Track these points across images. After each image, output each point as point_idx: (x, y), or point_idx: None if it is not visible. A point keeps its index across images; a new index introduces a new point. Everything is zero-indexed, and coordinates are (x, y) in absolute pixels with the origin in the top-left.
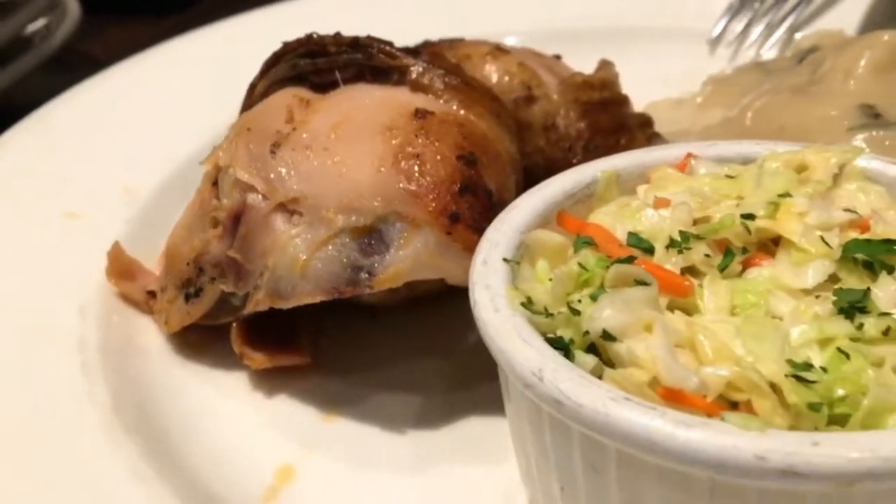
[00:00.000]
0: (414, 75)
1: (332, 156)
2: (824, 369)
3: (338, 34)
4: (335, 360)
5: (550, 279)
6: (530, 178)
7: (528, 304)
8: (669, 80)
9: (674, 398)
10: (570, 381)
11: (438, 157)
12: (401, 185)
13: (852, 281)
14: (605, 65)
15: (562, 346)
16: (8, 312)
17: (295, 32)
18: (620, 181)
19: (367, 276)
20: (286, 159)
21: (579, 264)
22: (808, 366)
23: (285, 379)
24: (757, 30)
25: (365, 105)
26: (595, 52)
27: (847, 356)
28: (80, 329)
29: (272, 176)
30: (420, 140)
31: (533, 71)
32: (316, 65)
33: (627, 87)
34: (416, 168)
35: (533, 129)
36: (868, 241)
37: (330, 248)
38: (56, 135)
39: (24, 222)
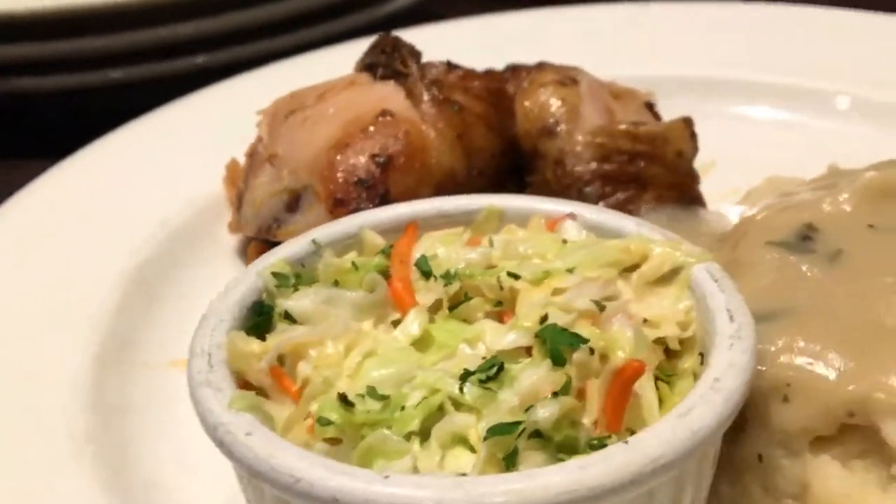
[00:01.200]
0: (409, 83)
1: (311, 131)
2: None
3: (397, 38)
4: None
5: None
6: None
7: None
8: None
9: None
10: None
11: (359, 152)
12: (323, 163)
13: (533, 359)
14: (679, 121)
15: None
16: None
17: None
18: (506, 218)
19: (276, 226)
20: (289, 125)
21: (353, 263)
22: (380, 396)
23: None
24: None
25: (361, 98)
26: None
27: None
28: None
29: (274, 134)
30: (361, 134)
31: (574, 108)
32: (375, 59)
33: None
34: (339, 155)
35: (545, 160)
36: (563, 330)
37: (275, 199)
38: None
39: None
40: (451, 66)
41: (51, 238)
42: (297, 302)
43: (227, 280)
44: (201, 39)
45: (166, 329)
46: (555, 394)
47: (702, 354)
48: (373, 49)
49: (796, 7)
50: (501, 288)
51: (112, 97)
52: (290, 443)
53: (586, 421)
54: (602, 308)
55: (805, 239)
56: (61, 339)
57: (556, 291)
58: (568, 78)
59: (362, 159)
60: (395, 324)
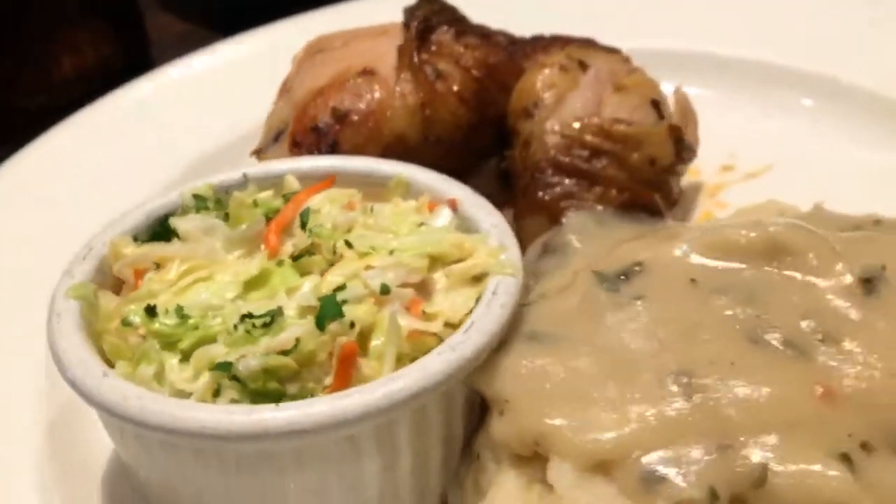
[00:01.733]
0: (404, 43)
1: (317, 73)
2: None
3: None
4: None
5: None
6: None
7: None
8: None
9: None
10: None
11: (328, 101)
12: (300, 106)
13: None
14: (663, 126)
15: None
16: None
17: None
18: (412, 189)
19: (262, 153)
20: (308, 63)
21: (254, 200)
22: (182, 315)
23: None
24: None
25: (370, 51)
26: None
27: None
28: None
29: (297, 68)
30: (338, 86)
31: (562, 95)
32: (412, 14)
33: None
34: (314, 101)
35: (518, 139)
36: (334, 302)
37: (272, 128)
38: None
39: None
40: (462, 33)
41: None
42: (184, 222)
43: None
44: None
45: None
46: (283, 352)
47: None
48: (418, 3)
49: None
50: (335, 252)
51: None
52: (80, 332)
53: (328, 381)
54: (387, 292)
55: (622, 276)
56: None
57: (368, 267)
58: (576, 62)
59: (326, 109)
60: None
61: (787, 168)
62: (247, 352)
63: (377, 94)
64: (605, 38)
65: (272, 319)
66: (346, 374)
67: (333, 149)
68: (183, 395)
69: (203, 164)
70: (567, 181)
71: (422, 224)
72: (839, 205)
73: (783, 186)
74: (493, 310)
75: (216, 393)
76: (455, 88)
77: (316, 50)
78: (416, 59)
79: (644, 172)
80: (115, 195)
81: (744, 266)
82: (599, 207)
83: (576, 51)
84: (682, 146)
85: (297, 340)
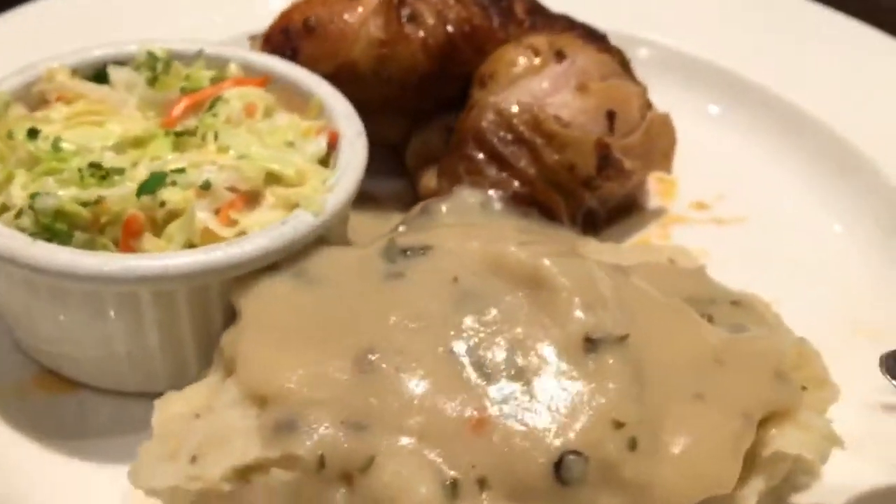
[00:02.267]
0: None
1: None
2: None
3: None
4: None
5: None
6: None
7: None
8: None
9: None
10: None
11: (306, 11)
12: (288, 9)
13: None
14: (589, 139)
15: None
16: None
17: None
18: (324, 112)
19: (252, 39)
20: None
21: (188, 75)
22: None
23: None
24: None
25: None
26: None
27: None
28: None
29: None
30: (324, 2)
31: (519, 77)
32: None
33: None
34: (298, 6)
35: (467, 104)
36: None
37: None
38: None
39: None
40: None
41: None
42: (116, 72)
43: None
44: None
45: None
46: (83, 203)
47: None
48: None
49: None
50: (204, 139)
51: None
52: None
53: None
54: (207, 188)
55: (407, 252)
56: None
57: (212, 162)
58: (554, 51)
59: (301, 17)
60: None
61: (759, 224)
62: (65, 190)
63: (349, 19)
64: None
65: (107, 175)
66: (128, 242)
67: (293, 55)
68: (3, 209)
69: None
70: (479, 156)
71: (291, 144)
72: None
73: (743, 240)
74: (273, 233)
75: (17, 215)
76: (421, 34)
77: None
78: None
79: (559, 176)
80: None
81: (504, 284)
82: (492, 192)
83: (561, 40)
84: (606, 163)
85: (102, 198)
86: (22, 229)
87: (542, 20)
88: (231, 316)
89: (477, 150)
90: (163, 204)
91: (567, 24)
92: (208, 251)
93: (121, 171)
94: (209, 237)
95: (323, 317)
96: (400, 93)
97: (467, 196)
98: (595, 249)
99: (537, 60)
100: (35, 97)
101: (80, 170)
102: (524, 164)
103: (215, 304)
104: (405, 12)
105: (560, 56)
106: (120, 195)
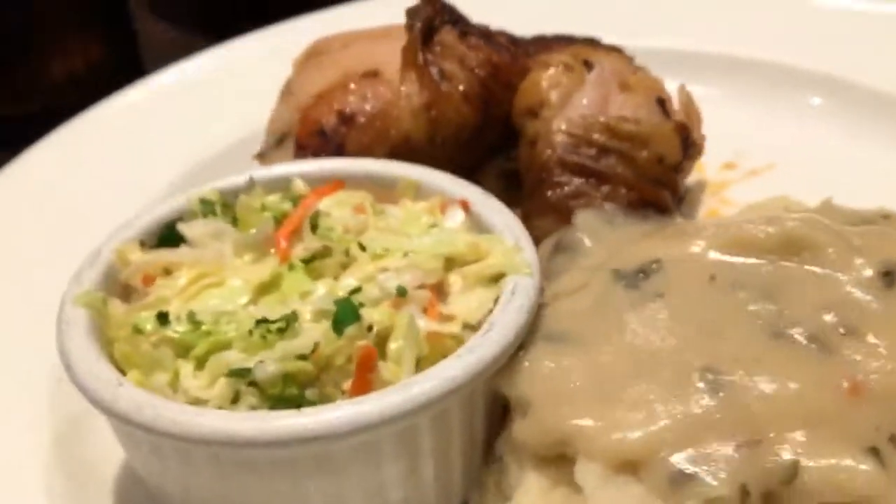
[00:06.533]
0: (407, 43)
1: (318, 75)
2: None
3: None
4: None
5: None
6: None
7: None
8: None
9: None
10: None
11: (332, 104)
12: (304, 110)
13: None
14: (670, 125)
15: None
16: None
17: None
18: (421, 191)
19: (263, 156)
20: (309, 65)
21: (263, 203)
22: (195, 321)
23: None
24: None
25: (373, 52)
26: None
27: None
28: None
29: (297, 71)
30: (343, 88)
31: (567, 94)
32: (415, 15)
33: None
34: (318, 104)
35: (524, 139)
36: (349, 305)
37: (274, 131)
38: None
39: None
40: (463, 33)
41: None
42: (192, 228)
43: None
44: None
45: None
46: (300, 356)
47: None
48: (420, 3)
49: None
50: (348, 255)
51: None
52: (91, 340)
53: (345, 388)
54: (403, 294)
55: (640, 274)
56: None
57: (383, 270)
58: (581, 61)
59: (331, 112)
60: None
61: (789, 166)
62: (264, 357)
63: (383, 96)
64: (607, 37)
65: (288, 324)
66: (365, 378)
67: (339, 151)
68: (199, 402)
69: (203, 168)
70: (576, 180)
71: (434, 225)
72: (844, 201)
73: (786, 184)
74: (512, 311)
75: (234, 399)
76: (461, 88)
77: (316, 53)
78: (420, 60)
79: (652, 170)
80: (116, 201)
81: (762, 262)
82: (608, 206)
83: (580, 50)
84: (688, 144)
85: (316, 345)
86: (253, 408)
87: (535, 44)
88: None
89: (568, 175)
90: (371, 328)
91: (555, 39)
92: (471, 354)
93: (289, 319)
94: (437, 342)
95: (614, 365)
96: (452, 153)
97: (590, 219)
98: (716, 225)
99: (573, 75)
100: (118, 286)
101: (249, 332)
102: (621, 170)
103: (479, 408)
104: (434, 71)
105: (588, 65)
106: (324, 337)
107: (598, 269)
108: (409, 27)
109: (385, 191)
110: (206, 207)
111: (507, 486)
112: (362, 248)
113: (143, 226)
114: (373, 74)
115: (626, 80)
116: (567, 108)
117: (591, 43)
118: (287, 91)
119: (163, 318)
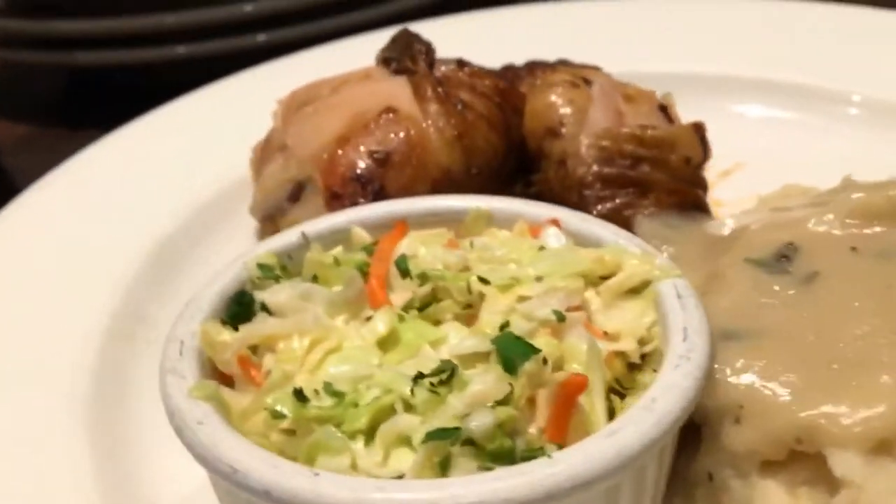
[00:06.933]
0: (416, 79)
1: (319, 123)
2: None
3: (411, 34)
4: None
5: None
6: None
7: None
8: None
9: None
10: None
11: (359, 147)
12: (325, 157)
13: (487, 366)
14: (689, 126)
15: None
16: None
17: None
18: (493, 220)
19: (279, 215)
20: (300, 115)
21: (335, 258)
22: (334, 392)
23: None
24: None
25: (371, 93)
26: None
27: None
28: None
29: (287, 123)
30: (363, 130)
31: (582, 109)
32: (391, 54)
33: None
34: (340, 149)
35: (549, 161)
36: (517, 339)
37: (281, 188)
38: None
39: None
40: (461, 64)
41: (80, 212)
42: (274, 294)
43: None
44: (264, 18)
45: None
46: (499, 402)
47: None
48: (391, 43)
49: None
50: (470, 292)
51: (172, 72)
52: (237, 434)
53: (533, 430)
54: (562, 319)
55: (782, 258)
56: (76, 306)
57: (521, 299)
58: (580, 79)
59: (361, 155)
60: (369, 320)
61: (757, 163)
62: (442, 414)
63: (411, 132)
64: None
65: (452, 373)
66: (565, 415)
67: (380, 193)
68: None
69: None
70: (620, 191)
71: (541, 248)
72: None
73: (758, 180)
74: (693, 312)
75: (444, 466)
76: (481, 112)
77: (300, 103)
78: (441, 92)
79: (683, 172)
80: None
81: (886, 228)
82: (649, 211)
83: (570, 69)
84: (704, 143)
85: (512, 387)
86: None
87: (527, 67)
88: None
89: (610, 188)
90: (545, 361)
91: (533, 65)
92: (683, 365)
93: (452, 369)
94: (614, 361)
95: (811, 353)
96: (486, 181)
97: (652, 226)
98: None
99: (580, 92)
100: (208, 370)
101: (412, 391)
102: (658, 175)
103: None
104: (454, 102)
105: (587, 81)
106: (501, 379)
107: (731, 264)
108: (385, 62)
109: (451, 225)
110: (266, 272)
111: (728, 502)
112: (485, 281)
113: (212, 301)
114: (391, 111)
115: (626, 91)
116: (587, 124)
117: (569, 64)
118: (279, 145)
119: (300, 397)
